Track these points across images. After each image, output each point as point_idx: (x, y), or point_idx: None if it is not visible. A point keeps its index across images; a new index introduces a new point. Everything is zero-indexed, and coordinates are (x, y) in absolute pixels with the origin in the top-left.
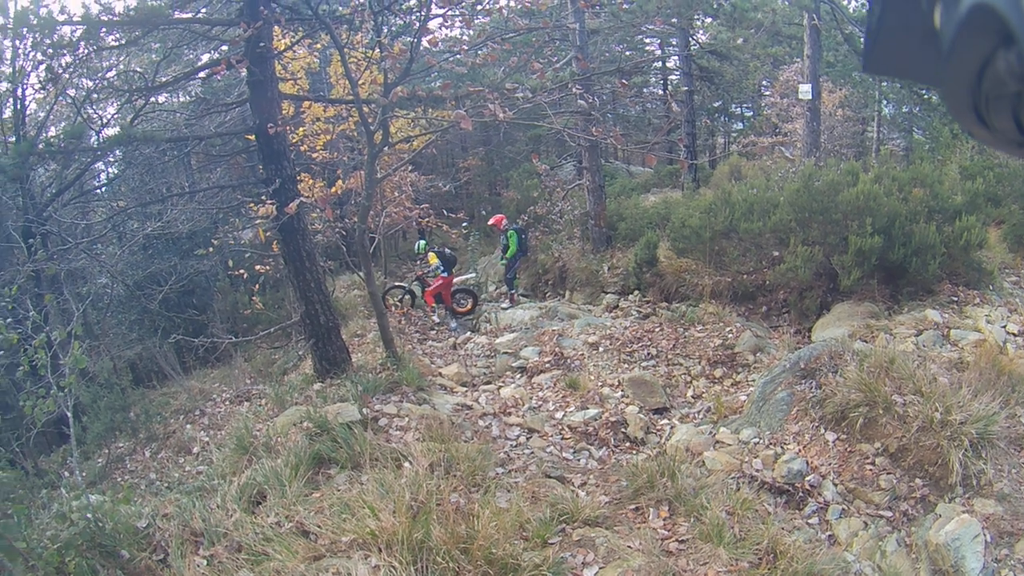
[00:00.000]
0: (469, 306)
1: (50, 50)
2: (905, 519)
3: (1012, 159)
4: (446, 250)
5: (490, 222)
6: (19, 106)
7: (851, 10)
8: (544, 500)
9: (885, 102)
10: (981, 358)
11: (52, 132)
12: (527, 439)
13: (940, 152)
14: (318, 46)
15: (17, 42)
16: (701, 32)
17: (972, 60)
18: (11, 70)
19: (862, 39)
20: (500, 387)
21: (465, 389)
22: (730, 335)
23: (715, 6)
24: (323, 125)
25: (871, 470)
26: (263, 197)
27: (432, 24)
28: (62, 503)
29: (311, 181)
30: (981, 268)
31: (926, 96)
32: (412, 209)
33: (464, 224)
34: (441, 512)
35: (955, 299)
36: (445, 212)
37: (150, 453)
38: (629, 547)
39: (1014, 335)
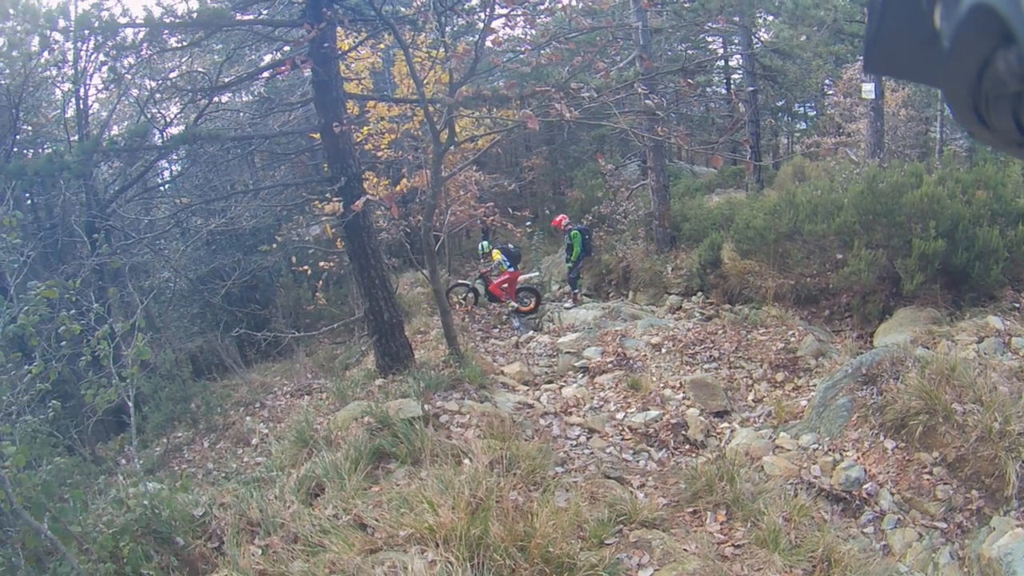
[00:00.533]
0: (532, 304)
1: (113, 52)
2: (959, 531)
3: None
4: (510, 246)
5: (552, 223)
6: (82, 106)
7: None
8: (602, 500)
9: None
10: None
11: (115, 131)
12: (587, 439)
13: (1003, 154)
14: (381, 46)
15: (80, 44)
16: (763, 30)
17: (972, 60)
18: (74, 71)
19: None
20: (562, 386)
21: (527, 388)
22: (792, 339)
23: (777, 3)
24: (388, 124)
25: (928, 480)
26: (328, 195)
27: (495, 24)
28: (119, 489)
29: (376, 179)
30: None
31: None
32: (477, 208)
33: (528, 223)
34: (500, 509)
35: (1017, 305)
36: (509, 211)
37: (209, 443)
38: (685, 550)
39: None
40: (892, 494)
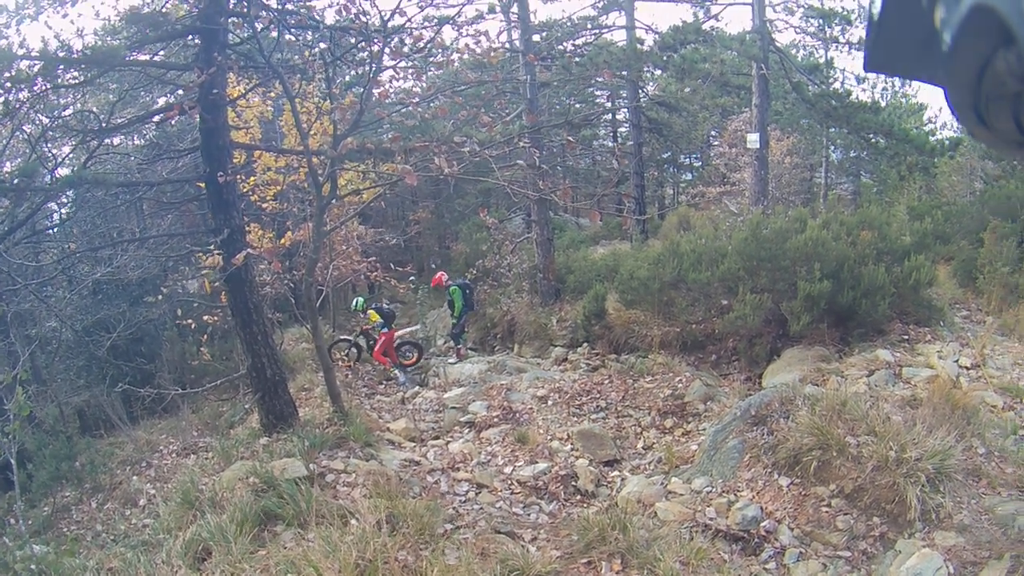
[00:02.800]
0: (415, 358)
1: (8, 84)
2: (864, 558)
3: (958, 197)
4: (384, 306)
5: (432, 282)
6: None
7: (799, 59)
8: (494, 556)
9: (833, 148)
10: (935, 394)
11: (7, 168)
12: (476, 494)
13: (888, 194)
14: (272, 95)
15: None
16: (651, 84)
17: (972, 60)
18: None
19: (828, 80)
20: (449, 442)
21: (413, 444)
22: (680, 385)
23: (664, 58)
24: (274, 175)
25: (827, 512)
26: (211, 247)
27: (383, 76)
28: (5, 552)
29: (260, 231)
30: (931, 305)
31: (873, 140)
32: (360, 262)
33: (412, 277)
34: (388, 571)
35: (906, 337)
36: (393, 266)
37: (96, 504)
38: None
39: (967, 368)
40: (791, 529)
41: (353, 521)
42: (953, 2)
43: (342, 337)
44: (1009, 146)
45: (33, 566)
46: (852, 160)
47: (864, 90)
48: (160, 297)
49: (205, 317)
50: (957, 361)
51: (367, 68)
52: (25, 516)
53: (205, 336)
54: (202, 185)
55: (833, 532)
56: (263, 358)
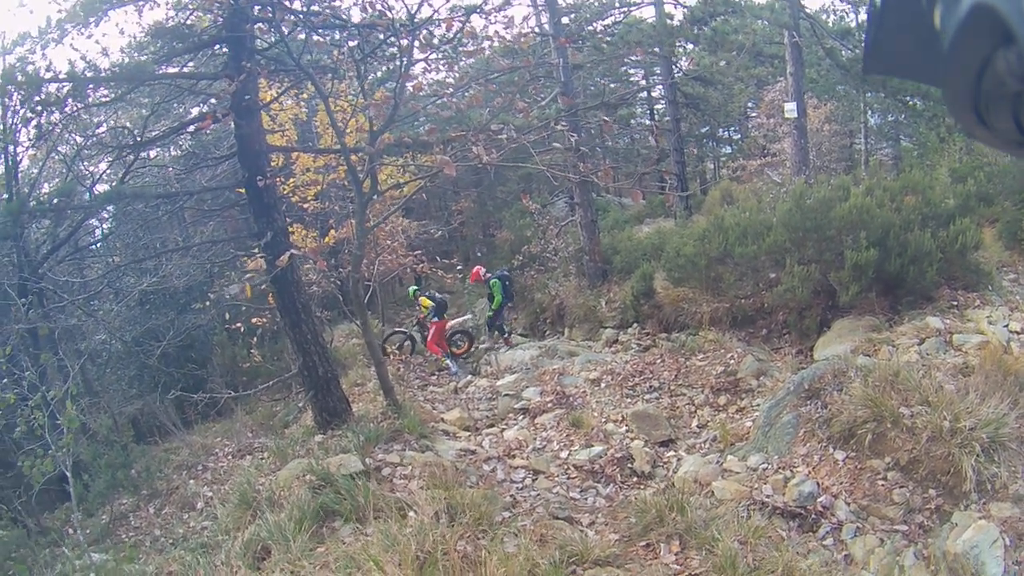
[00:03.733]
0: (466, 347)
1: (39, 107)
2: (921, 531)
3: (1000, 155)
4: (436, 294)
5: (471, 279)
6: (11, 163)
7: (831, 24)
8: (553, 542)
9: (870, 112)
10: (986, 360)
11: (45, 189)
12: (533, 481)
13: (929, 157)
14: (304, 96)
15: (6, 99)
16: (684, 59)
17: (972, 60)
18: (2, 127)
19: (862, 44)
20: (503, 429)
21: (468, 433)
22: (732, 361)
23: (695, 32)
24: (313, 175)
25: (883, 485)
26: (255, 251)
27: (416, 69)
28: (65, 562)
29: (304, 232)
30: (979, 270)
31: (911, 103)
32: (406, 256)
33: (459, 268)
34: (448, 561)
35: (955, 303)
36: (439, 257)
37: (154, 509)
38: None
39: (1017, 333)
40: (848, 504)
41: (411, 513)
42: (953, 2)
43: (397, 329)
44: (1009, 146)
45: (92, 574)
46: (891, 124)
47: None
48: (207, 303)
49: (254, 320)
50: (1007, 326)
51: (398, 63)
52: (83, 525)
53: (254, 338)
54: (242, 191)
55: (889, 506)
56: (314, 356)
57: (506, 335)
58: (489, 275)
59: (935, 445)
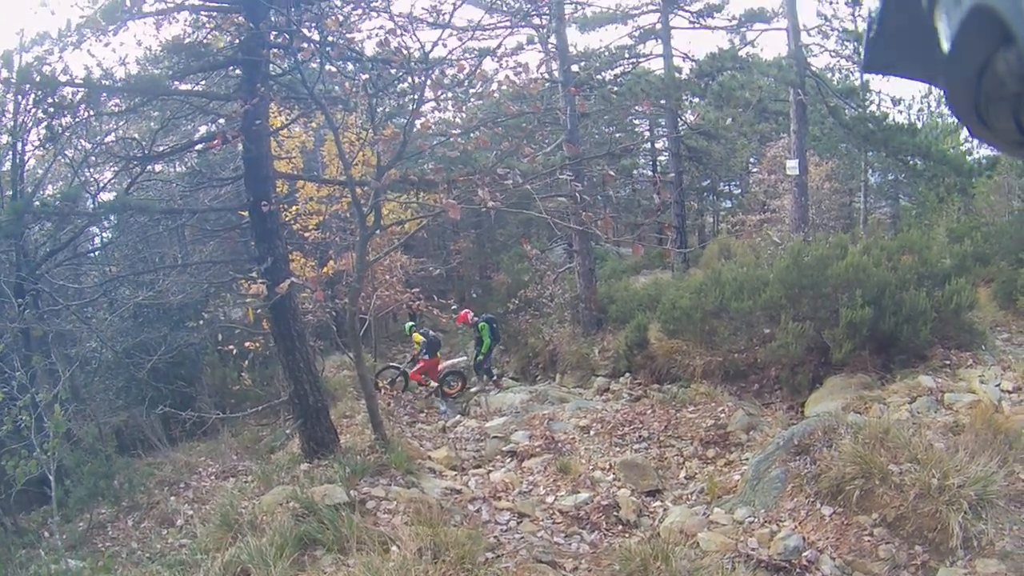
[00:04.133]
0: (458, 387)
1: (51, 109)
2: None
3: (999, 216)
4: (430, 332)
5: (458, 320)
6: (18, 161)
7: (835, 82)
8: None
9: (871, 171)
10: (976, 419)
11: (49, 191)
12: (517, 524)
13: (927, 216)
14: (313, 125)
15: (19, 97)
16: (689, 112)
17: (972, 60)
18: (13, 124)
19: (864, 104)
20: (490, 471)
21: (455, 473)
22: (722, 415)
23: (703, 86)
24: (316, 205)
25: (869, 541)
26: (254, 275)
27: (425, 107)
28: (40, 565)
29: (303, 260)
30: (973, 329)
31: (911, 162)
32: (403, 292)
33: (454, 308)
34: None
35: (948, 362)
36: (435, 296)
37: (132, 522)
38: None
39: (1008, 392)
40: (833, 558)
41: (394, 548)
42: (953, 2)
43: (390, 364)
44: (1009, 146)
45: None
46: (891, 183)
47: (900, 111)
48: (201, 322)
49: (247, 343)
50: (999, 385)
51: (408, 99)
52: (61, 531)
53: (246, 362)
54: (245, 214)
55: (875, 561)
56: (305, 385)
57: (495, 378)
58: (476, 319)
59: (923, 502)
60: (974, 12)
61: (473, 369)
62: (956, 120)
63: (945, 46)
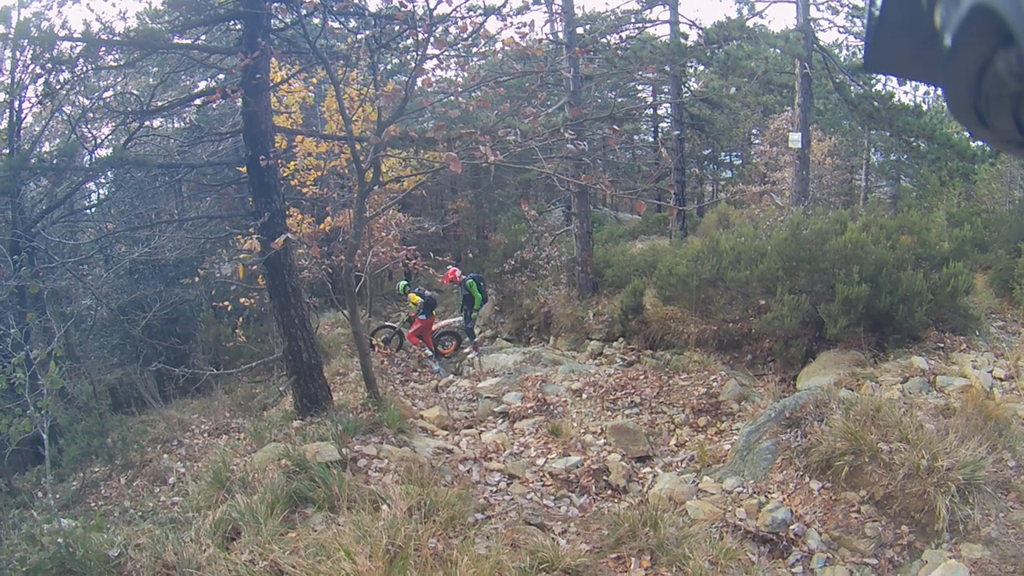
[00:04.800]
0: (452, 348)
1: (49, 64)
2: (891, 566)
3: (999, 203)
4: (426, 291)
5: (445, 279)
6: (15, 118)
7: (842, 58)
8: (524, 547)
9: (873, 150)
10: (968, 404)
11: (46, 148)
12: (508, 485)
13: (927, 199)
14: (314, 80)
15: (17, 53)
16: (694, 80)
17: (972, 60)
18: (9, 81)
19: (871, 80)
20: (482, 432)
21: (446, 433)
22: (715, 383)
23: (708, 54)
24: (314, 160)
25: (856, 518)
26: (251, 230)
27: (427, 64)
28: (33, 525)
29: (300, 216)
30: (968, 314)
31: (914, 143)
32: (399, 250)
33: (451, 266)
34: (419, 557)
35: (941, 345)
36: (432, 254)
37: (125, 480)
38: None
39: (1000, 380)
40: (820, 533)
41: (384, 507)
42: (953, 2)
43: (385, 324)
44: (1009, 146)
45: (60, 539)
46: (893, 163)
47: (906, 92)
48: (197, 279)
49: (241, 300)
50: (991, 372)
51: (410, 56)
52: (54, 490)
53: (240, 318)
54: (243, 169)
55: (861, 538)
56: (299, 341)
57: (475, 341)
58: (463, 277)
59: (911, 482)
60: (974, 12)
61: (465, 331)
62: (956, 119)
63: (945, 46)
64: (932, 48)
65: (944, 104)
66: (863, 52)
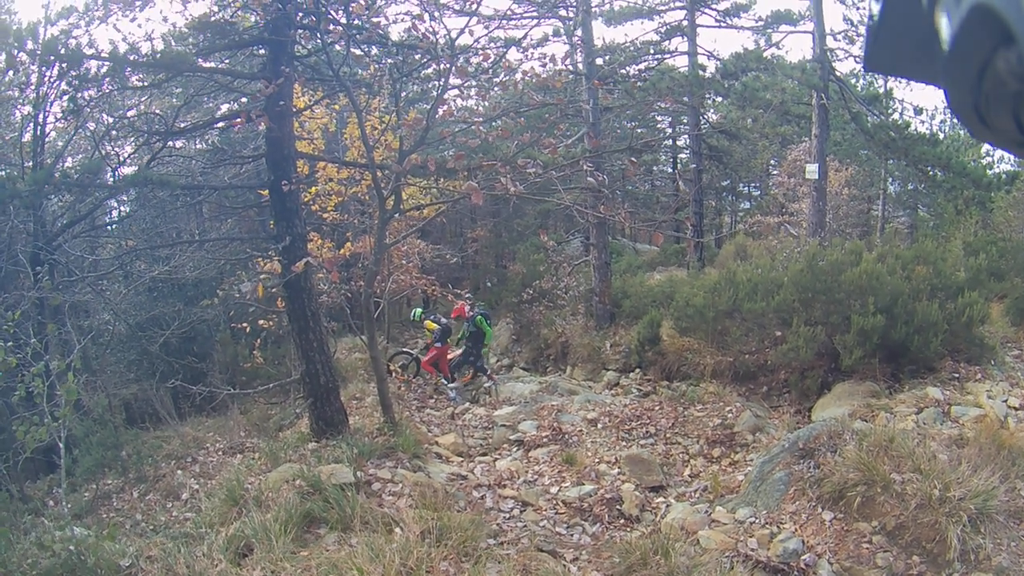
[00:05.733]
0: (469, 376)
1: (75, 82)
2: None
3: (1015, 232)
4: (442, 319)
5: (453, 314)
6: (39, 132)
7: (859, 88)
8: (535, 574)
9: (891, 180)
10: (981, 433)
11: (69, 163)
12: (521, 512)
13: (944, 228)
14: (336, 107)
15: (44, 69)
16: (712, 111)
17: (972, 60)
18: (36, 95)
19: (888, 111)
20: (496, 459)
21: (461, 459)
22: (730, 415)
23: (726, 85)
24: (336, 186)
25: (868, 548)
26: (272, 253)
27: (448, 94)
28: (45, 532)
29: (320, 241)
30: (983, 344)
31: (931, 172)
32: (419, 278)
33: (468, 295)
34: None
35: (956, 376)
36: (450, 284)
37: (138, 494)
38: None
39: (1015, 409)
40: (831, 564)
41: (397, 530)
42: (953, 2)
43: (403, 350)
44: (1009, 146)
45: (72, 547)
46: (909, 193)
47: (923, 121)
48: (216, 299)
49: (260, 321)
50: (1006, 401)
51: (431, 85)
52: (67, 499)
53: (258, 340)
54: (265, 192)
55: (872, 569)
56: (317, 364)
57: (489, 371)
58: (472, 312)
59: (923, 512)
60: (974, 12)
61: (478, 368)
62: (957, 119)
63: (945, 46)
64: (932, 48)
65: (960, 132)
66: (863, 52)
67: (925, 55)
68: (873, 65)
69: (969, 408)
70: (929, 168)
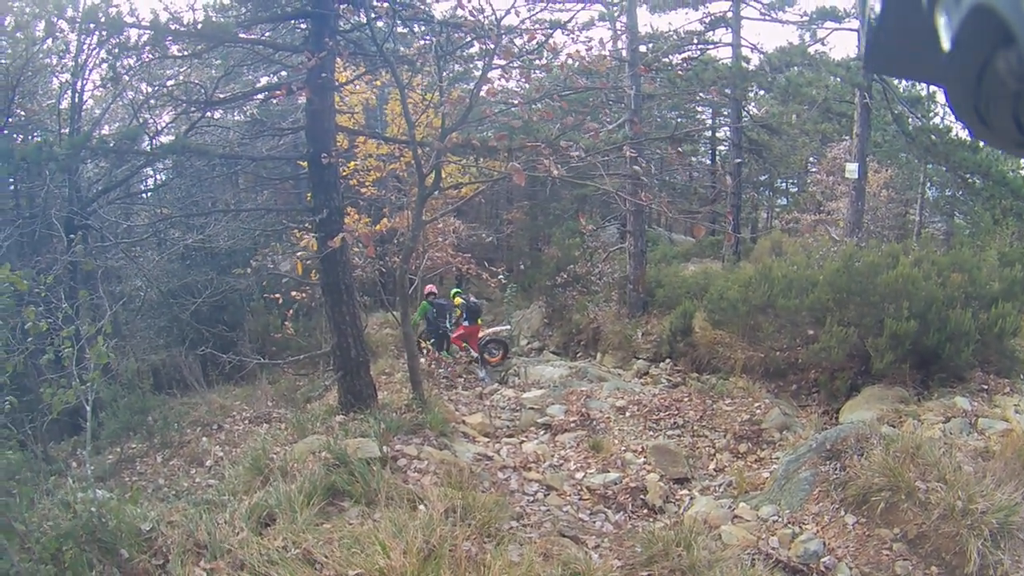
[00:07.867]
0: (499, 356)
1: (115, 50)
2: None
3: None
4: (471, 299)
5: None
6: (77, 99)
7: (902, 90)
8: (556, 559)
9: (929, 184)
10: (1007, 448)
11: (106, 130)
12: (545, 496)
13: (980, 237)
14: (378, 83)
15: (83, 37)
16: (754, 105)
17: (972, 60)
18: (74, 63)
19: (930, 114)
20: (523, 441)
21: (487, 440)
22: (758, 411)
23: (770, 79)
24: (375, 162)
25: (887, 555)
26: (308, 225)
27: (492, 74)
28: (68, 492)
29: (357, 215)
30: (1014, 356)
31: (970, 180)
32: (454, 256)
33: (502, 276)
34: (452, 558)
35: (985, 387)
36: (485, 264)
37: (162, 459)
38: None
39: None
40: (850, 568)
41: (421, 507)
42: (953, 2)
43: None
44: (1009, 146)
45: (94, 509)
46: (947, 199)
47: (964, 127)
48: (249, 270)
49: (293, 293)
50: None
51: (474, 65)
52: (90, 461)
53: (290, 312)
54: (303, 164)
55: None
56: (349, 338)
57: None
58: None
59: (945, 523)
60: (974, 12)
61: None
62: (957, 119)
63: (945, 46)
64: (933, 48)
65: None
66: (863, 52)
67: (925, 55)
68: (873, 65)
69: (996, 421)
70: (968, 175)
